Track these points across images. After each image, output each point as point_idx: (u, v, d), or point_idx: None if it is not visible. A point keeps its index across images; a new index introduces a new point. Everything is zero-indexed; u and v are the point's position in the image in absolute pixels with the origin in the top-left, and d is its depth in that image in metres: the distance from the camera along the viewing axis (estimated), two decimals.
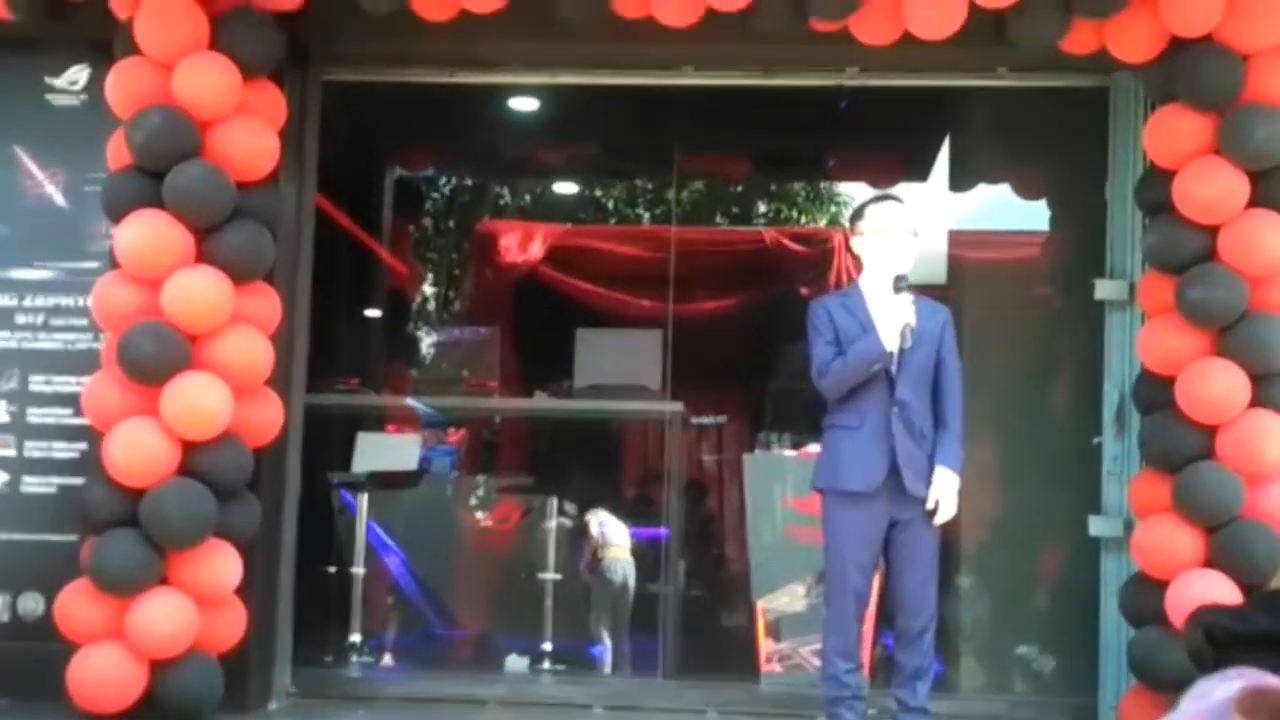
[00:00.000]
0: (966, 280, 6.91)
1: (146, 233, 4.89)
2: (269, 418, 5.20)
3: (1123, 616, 5.18)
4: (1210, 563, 4.74)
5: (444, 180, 9.78)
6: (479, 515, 7.31)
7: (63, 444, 5.40)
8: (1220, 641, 1.08)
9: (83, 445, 5.30)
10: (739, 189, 11.40)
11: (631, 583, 6.99)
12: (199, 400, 4.84)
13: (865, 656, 5.21)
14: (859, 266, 4.89)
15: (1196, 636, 1.10)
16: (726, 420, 8.34)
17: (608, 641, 6.87)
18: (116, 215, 4.99)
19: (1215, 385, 4.80)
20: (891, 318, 4.57)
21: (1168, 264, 5.03)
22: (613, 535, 7.06)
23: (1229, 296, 4.84)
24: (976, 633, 6.45)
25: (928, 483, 4.58)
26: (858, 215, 4.97)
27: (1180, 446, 4.90)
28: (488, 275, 8.70)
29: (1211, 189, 4.88)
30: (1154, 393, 5.05)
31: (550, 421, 7.28)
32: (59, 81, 5.61)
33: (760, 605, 6.02)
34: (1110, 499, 5.51)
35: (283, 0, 5.16)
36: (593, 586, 7.00)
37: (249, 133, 5.10)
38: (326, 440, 6.56)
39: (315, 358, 5.93)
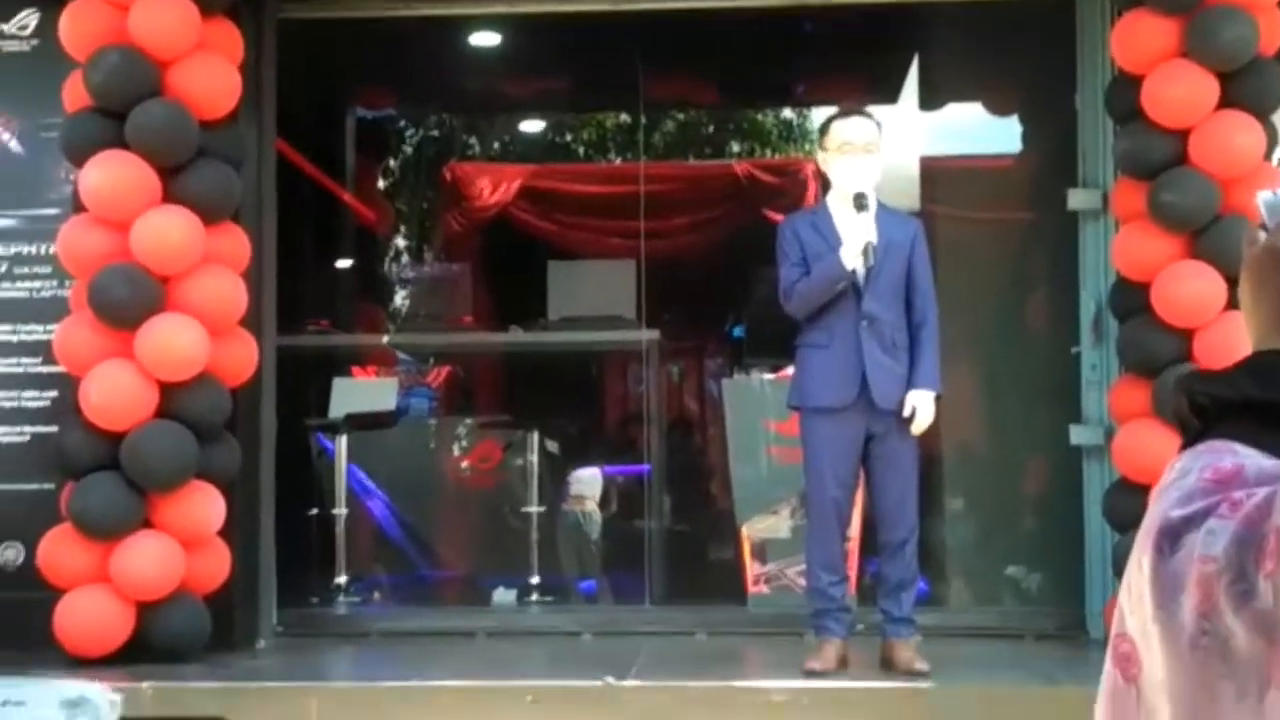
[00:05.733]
0: (940, 196, 6.97)
1: (112, 174, 4.91)
2: (244, 357, 5.24)
3: (1106, 522, 5.28)
4: None
5: (408, 119, 9.72)
6: (460, 454, 7.36)
7: (33, 392, 5.41)
8: (1204, 409, 1.10)
9: (53, 393, 5.32)
10: (710, 127, 11.37)
11: (596, 530, 7.09)
12: (174, 341, 4.88)
13: (851, 574, 5.32)
14: (827, 185, 4.93)
15: (1181, 405, 1.12)
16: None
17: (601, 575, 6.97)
18: (78, 157, 5.00)
19: (1190, 288, 4.88)
20: (854, 236, 4.62)
21: (1139, 170, 5.09)
22: (580, 488, 7.14)
23: (1201, 199, 4.91)
24: (963, 548, 6.55)
25: (902, 394, 4.65)
26: (823, 131, 4.98)
27: (1158, 351, 4.98)
28: (457, 216, 8.69)
29: (1181, 91, 4.93)
30: (1130, 299, 5.13)
31: (527, 356, 7.29)
32: (7, 27, 5.56)
33: (745, 530, 6.10)
34: (1090, 408, 5.59)
35: None
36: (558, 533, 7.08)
37: (210, 70, 5.11)
38: (300, 384, 6.59)
39: (284, 300, 5.95)
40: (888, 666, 4.67)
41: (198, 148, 5.04)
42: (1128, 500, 5.06)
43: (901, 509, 4.71)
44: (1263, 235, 1.15)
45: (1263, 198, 1.21)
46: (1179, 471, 1.04)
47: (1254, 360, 1.11)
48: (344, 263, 8.46)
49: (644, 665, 4.89)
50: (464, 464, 7.26)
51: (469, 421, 7.43)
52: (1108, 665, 1.03)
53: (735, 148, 11.37)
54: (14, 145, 5.57)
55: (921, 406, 4.65)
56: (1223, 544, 0.92)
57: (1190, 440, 1.08)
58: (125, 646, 4.84)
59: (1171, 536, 0.98)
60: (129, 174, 4.91)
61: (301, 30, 5.97)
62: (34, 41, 5.55)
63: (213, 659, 5.00)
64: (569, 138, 11.42)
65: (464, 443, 7.32)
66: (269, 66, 5.79)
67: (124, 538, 4.84)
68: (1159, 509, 1.01)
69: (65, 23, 5.09)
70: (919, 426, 4.68)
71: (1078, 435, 5.62)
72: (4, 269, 5.52)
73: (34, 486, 5.27)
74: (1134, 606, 1.00)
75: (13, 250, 5.51)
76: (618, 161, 10.90)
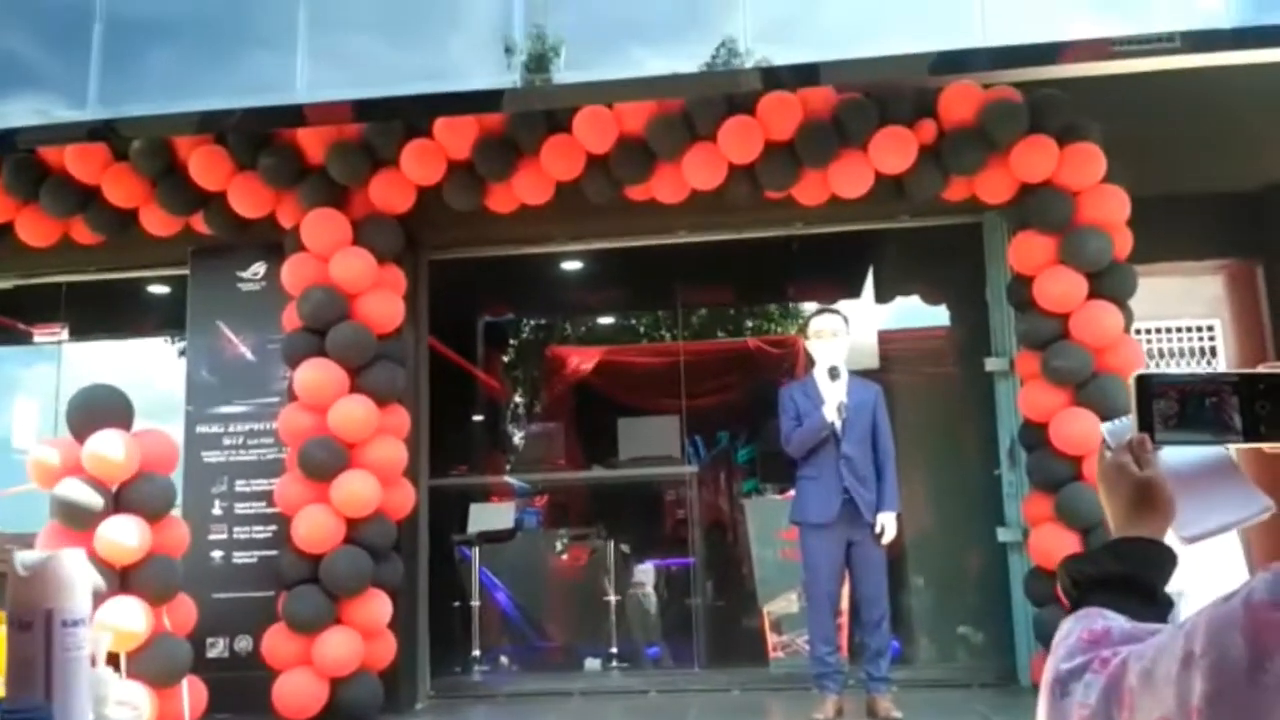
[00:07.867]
0: (894, 364, 6.93)
1: (316, 374, 5.01)
2: (405, 499, 5.25)
3: (1027, 598, 5.14)
4: None
5: (520, 318, 9.86)
6: (558, 557, 7.28)
7: (260, 527, 5.45)
8: (1080, 584, 1.08)
9: (274, 527, 5.35)
10: (732, 312, 11.39)
11: (653, 607, 6.90)
12: (357, 490, 4.91)
13: (842, 643, 5.16)
14: (812, 361, 4.93)
15: (1064, 581, 1.11)
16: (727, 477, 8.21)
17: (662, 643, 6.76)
18: (293, 362, 5.12)
19: (1076, 427, 4.82)
20: (830, 398, 4.62)
21: (1034, 343, 5.07)
22: (638, 577, 6.99)
23: (1080, 364, 4.88)
24: (924, 619, 6.36)
25: (873, 513, 4.58)
26: (806, 324, 5.05)
27: (1056, 473, 4.92)
28: (554, 385, 8.74)
29: (1061, 287, 4.94)
30: (1034, 436, 5.07)
31: (605, 486, 7.25)
32: (245, 273, 5.76)
33: (766, 609, 5.96)
34: (1010, 514, 5.48)
35: (398, 205, 5.33)
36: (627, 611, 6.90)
37: (383, 300, 5.24)
38: (447, 510, 6.59)
39: (435, 453, 5.98)
40: (872, 715, 4.51)
41: (374, 353, 5.13)
42: (1041, 583, 4.94)
43: (876, 596, 4.60)
44: (1109, 454, 1.15)
45: (1105, 427, 1.19)
46: (1064, 633, 1.01)
47: (1112, 545, 1.09)
48: (477, 423, 8.51)
49: (695, 717, 4.75)
50: (561, 563, 7.16)
51: (564, 533, 7.35)
52: None
53: (749, 327, 11.38)
54: (249, 355, 5.71)
55: (888, 524, 4.58)
56: (1095, 694, 0.90)
57: (1074, 606, 1.06)
58: (322, 711, 4.80)
59: (1062, 685, 0.95)
60: (327, 374, 5.00)
61: (446, 266, 6.12)
62: (263, 283, 5.71)
63: (384, 719, 4.92)
64: (632, 322, 11.48)
65: (561, 548, 7.24)
66: (423, 293, 5.93)
67: (321, 632, 4.81)
68: (1052, 662, 0.98)
69: (285, 270, 5.27)
70: (887, 538, 4.60)
71: (1002, 535, 5.50)
72: (241, 440, 5.61)
73: (260, 594, 5.27)
74: None
75: (247, 427, 5.61)
76: (666, 340, 10.94)
